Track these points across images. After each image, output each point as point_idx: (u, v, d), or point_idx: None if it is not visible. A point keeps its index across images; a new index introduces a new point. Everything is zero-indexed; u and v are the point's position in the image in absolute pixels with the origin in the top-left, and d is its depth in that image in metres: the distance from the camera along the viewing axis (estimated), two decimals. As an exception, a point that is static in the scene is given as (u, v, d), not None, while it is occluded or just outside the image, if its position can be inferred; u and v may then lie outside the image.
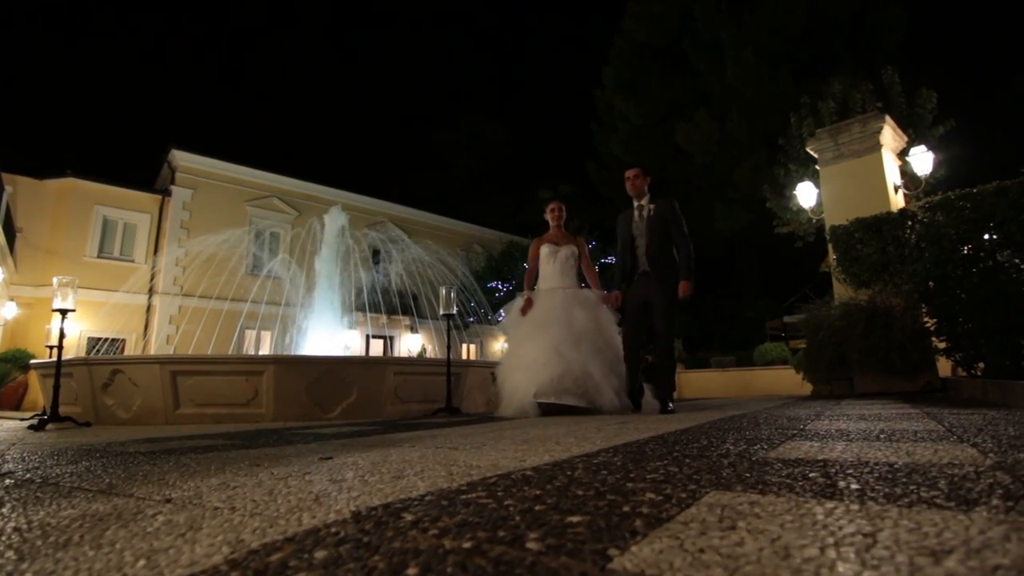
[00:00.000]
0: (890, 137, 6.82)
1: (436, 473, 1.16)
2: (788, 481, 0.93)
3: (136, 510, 0.96)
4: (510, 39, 44.62)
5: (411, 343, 17.77)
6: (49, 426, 4.15)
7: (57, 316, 4.42)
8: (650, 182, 3.87)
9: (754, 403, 4.93)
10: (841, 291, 6.24)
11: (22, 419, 6.21)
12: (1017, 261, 4.11)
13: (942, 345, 4.69)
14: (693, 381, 12.32)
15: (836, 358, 5.43)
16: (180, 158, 14.91)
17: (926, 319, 4.97)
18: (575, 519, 0.69)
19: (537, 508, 0.76)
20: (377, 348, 17.44)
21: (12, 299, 12.43)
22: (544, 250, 4.41)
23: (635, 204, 3.85)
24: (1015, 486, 0.84)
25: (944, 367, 5.50)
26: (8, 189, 11.95)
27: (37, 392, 10.22)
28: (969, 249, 4.41)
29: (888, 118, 6.72)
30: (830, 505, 0.74)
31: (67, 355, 4.76)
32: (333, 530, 0.71)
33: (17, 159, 14.24)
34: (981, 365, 4.36)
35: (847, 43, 15.75)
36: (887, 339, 5.03)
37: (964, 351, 4.45)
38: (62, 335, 4.54)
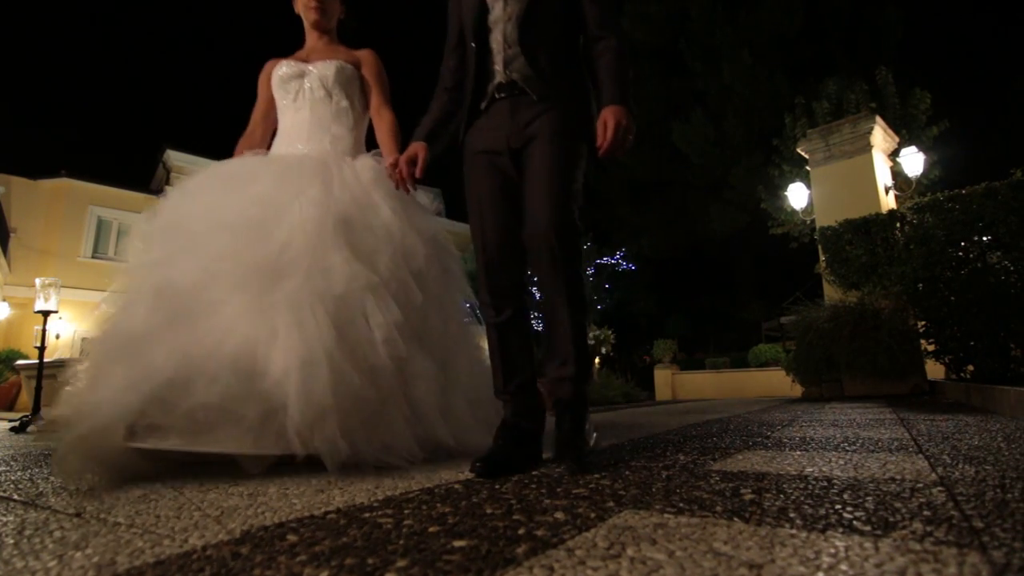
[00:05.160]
0: (881, 138, 6.76)
1: (364, 485, 1.12)
2: (714, 498, 0.89)
3: (41, 524, 0.92)
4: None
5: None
6: (31, 428, 4.12)
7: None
8: None
9: (740, 406, 4.89)
10: (831, 293, 6.19)
11: (10, 420, 6.17)
12: (1007, 263, 4.06)
13: (931, 348, 4.65)
14: (688, 383, 12.27)
15: (824, 360, 5.38)
16: (175, 158, 14.87)
17: (915, 321, 4.93)
18: (460, 543, 0.65)
19: (431, 530, 0.72)
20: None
21: (5, 300, 12.41)
22: (279, 72, 1.98)
23: None
24: (944, 508, 0.79)
25: (939, 369, 5.45)
26: (1, 189, 11.95)
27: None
28: (959, 251, 4.36)
29: (879, 119, 6.66)
30: (738, 528, 0.70)
31: (62, 356, 4.74)
32: (208, 553, 0.67)
33: (11, 159, 14.24)
34: (971, 368, 4.31)
35: (844, 44, 15.69)
36: (875, 341, 4.98)
37: (953, 354, 4.40)
38: (44, 337, 4.51)
